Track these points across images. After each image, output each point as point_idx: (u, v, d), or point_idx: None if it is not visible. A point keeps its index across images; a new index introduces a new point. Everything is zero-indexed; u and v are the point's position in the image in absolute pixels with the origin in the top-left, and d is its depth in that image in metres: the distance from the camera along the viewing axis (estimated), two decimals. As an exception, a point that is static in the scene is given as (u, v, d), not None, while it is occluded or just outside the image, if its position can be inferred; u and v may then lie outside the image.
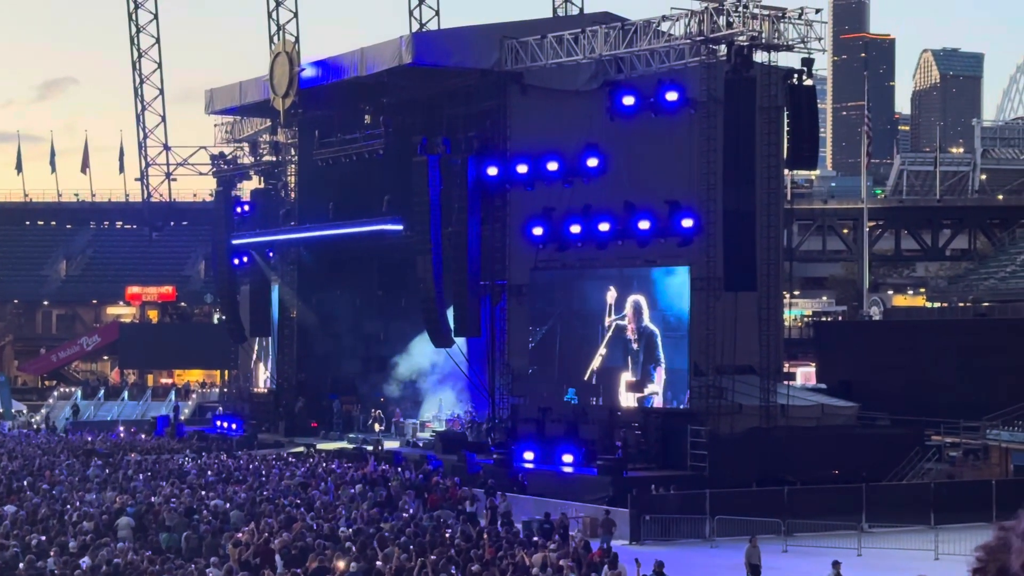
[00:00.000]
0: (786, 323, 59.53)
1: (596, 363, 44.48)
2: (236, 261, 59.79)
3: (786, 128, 42.15)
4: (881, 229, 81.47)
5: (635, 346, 43.38)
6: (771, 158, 43.36)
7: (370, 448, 46.74)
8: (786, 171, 48.67)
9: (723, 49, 41.00)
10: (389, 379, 54.13)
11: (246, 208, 60.82)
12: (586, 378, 44.60)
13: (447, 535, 27.41)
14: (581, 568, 24.92)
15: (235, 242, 59.11)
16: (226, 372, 72.13)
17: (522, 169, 45.55)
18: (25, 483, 36.35)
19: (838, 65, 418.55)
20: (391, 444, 48.59)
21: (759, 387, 42.58)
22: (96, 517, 29.66)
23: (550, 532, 30.59)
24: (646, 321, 43.01)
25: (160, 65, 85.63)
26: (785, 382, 48.57)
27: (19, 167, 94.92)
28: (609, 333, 44.13)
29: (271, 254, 59.05)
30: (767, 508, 34.87)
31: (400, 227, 49.63)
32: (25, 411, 71.69)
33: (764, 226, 42.56)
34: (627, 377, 43.53)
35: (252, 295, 59.59)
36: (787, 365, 56.44)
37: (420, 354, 52.11)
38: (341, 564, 23.34)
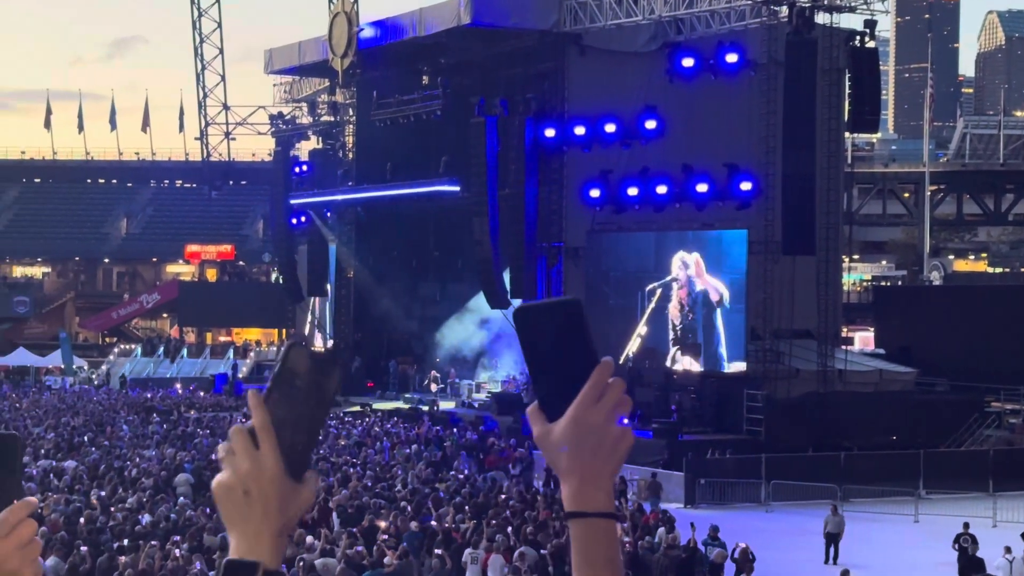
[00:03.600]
0: (845, 287, 59.03)
1: (635, 345, 44.42)
2: (294, 221, 60.09)
3: (847, 91, 41.69)
4: (943, 193, 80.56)
5: (688, 310, 43.24)
6: (832, 121, 42.90)
7: (425, 408, 46.97)
8: (847, 134, 48.14)
9: (784, 10, 40.57)
10: (445, 339, 54.28)
11: (304, 168, 61.05)
12: (621, 362, 44.41)
13: (502, 496, 27.51)
14: (636, 531, 24.95)
15: (293, 202, 59.38)
16: (283, 331, 72.62)
17: (580, 131, 45.38)
18: (86, 439, 36.87)
19: (901, 26, 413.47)
20: (446, 405, 48.79)
21: (816, 352, 42.33)
22: (155, 473, 30.02)
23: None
24: (702, 284, 42.85)
25: (220, 24, 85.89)
26: (843, 347, 48.23)
27: (80, 126, 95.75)
28: (653, 303, 44.04)
29: (329, 214, 59.26)
30: (823, 473, 34.73)
31: (457, 188, 49.67)
32: (86, 367, 72.54)
33: (824, 190, 42.19)
34: (680, 342, 43.43)
35: (309, 255, 59.90)
36: (845, 330, 56.05)
37: (476, 315, 52.21)
38: (383, 523, 23.52)
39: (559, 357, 1.96)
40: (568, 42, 47.97)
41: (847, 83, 41.83)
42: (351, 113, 58.66)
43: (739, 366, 41.87)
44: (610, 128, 44.50)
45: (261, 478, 1.88)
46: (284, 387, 1.88)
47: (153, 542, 21.45)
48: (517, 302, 48.20)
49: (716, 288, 42.54)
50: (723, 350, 42.44)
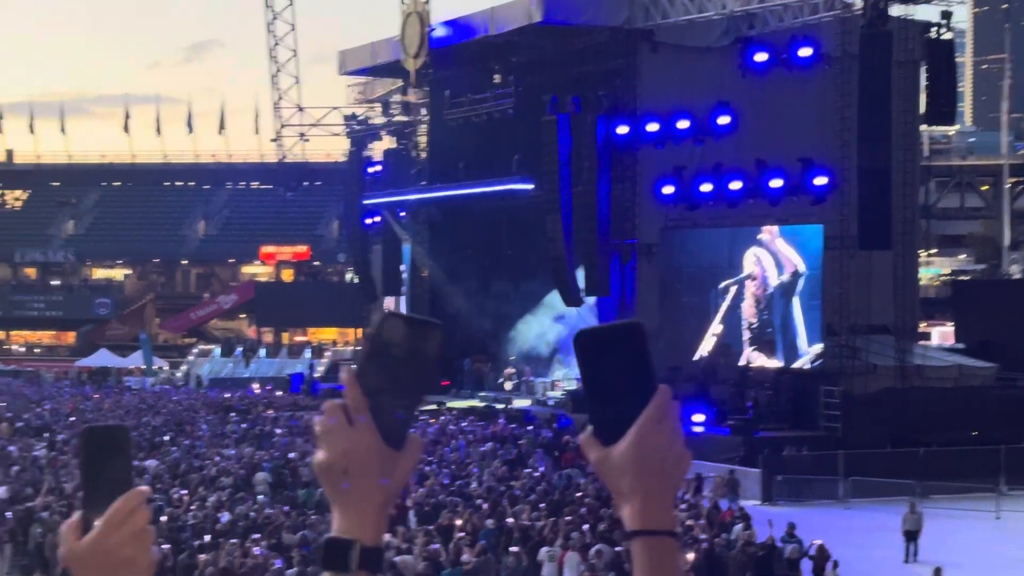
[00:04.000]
0: (922, 282, 58.43)
1: (709, 344, 44.21)
2: (368, 220, 60.45)
3: (923, 83, 41.25)
4: (1022, 186, 79.40)
5: (763, 306, 42.98)
6: (907, 114, 42.47)
7: (500, 407, 47.06)
8: (923, 127, 47.63)
9: (859, 3, 40.20)
10: (519, 338, 54.35)
11: (378, 168, 61.40)
12: (696, 359, 44.20)
13: (578, 494, 27.54)
14: (712, 528, 24.87)
15: (367, 202, 59.74)
16: (359, 330, 73.10)
17: (652, 127, 45.26)
18: (167, 438, 37.37)
19: (979, 17, 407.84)
20: (521, 403, 48.86)
21: (894, 347, 41.91)
22: (234, 472, 30.38)
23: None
24: (777, 280, 42.58)
25: (294, 27, 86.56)
26: (921, 342, 47.73)
27: (158, 130, 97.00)
28: (727, 301, 43.81)
29: (402, 213, 59.55)
30: (902, 469, 34.40)
31: (530, 186, 49.72)
32: (166, 367, 73.49)
33: (900, 183, 41.77)
34: (755, 340, 43.19)
35: (384, 254, 60.23)
36: (923, 325, 55.48)
37: (550, 313, 52.23)
38: (459, 521, 23.63)
39: (619, 381, 1.97)
40: (640, 38, 47.84)
41: (923, 75, 41.39)
42: (424, 113, 58.92)
43: (816, 348, 41.47)
44: (683, 124, 44.34)
45: (357, 455, 1.90)
46: (379, 359, 1.90)
47: (233, 540, 21.71)
48: (591, 300, 48.20)
49: (791, 260, 42.14)
50: (800, 342, 42.13)
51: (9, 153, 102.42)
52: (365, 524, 1.92)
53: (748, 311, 43.88)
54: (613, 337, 1.98)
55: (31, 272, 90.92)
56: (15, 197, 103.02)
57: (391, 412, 1.91)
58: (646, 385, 1.97)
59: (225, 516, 24.34)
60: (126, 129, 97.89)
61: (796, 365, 42.27)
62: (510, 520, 24.09)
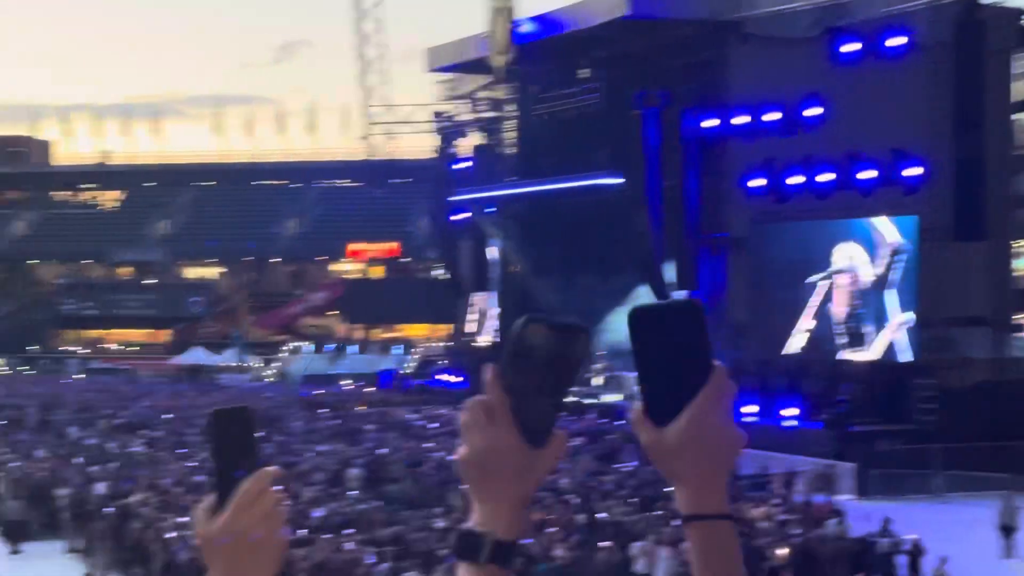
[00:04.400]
0: (1018, 273, 57.41)
1: (800, 340, 43.78)
2: (456, 217, 60.65)
3: (1015, 71, 40.56)
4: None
5: (856, 301, 42.51)
6: (1001, 103, 41.76)
7: (590, 401, 47.02)
8: (1016, 115, 46.79)
9: (951, -9, 39.64)
10: (608, 333, 54.23)
11: (466, 164, 61.60)
12: (785, 350, 43.79)
13: (668, 488, 27.40)
14: (806, 523, 24.67)
15: (455, 198, 59.95)
16: (448, 326, 73.41)
17: (741, 120, 44.93)
18: (260, 434, 37.83)
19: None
20: (611, 397, 48.77)
21: (990, 339, 41.24)
22: (327, 468, 30.66)
23: (765, 486, 30.35)
24: (871, 274, 42.07)
25: (382, 25, 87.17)
26: (1017, 334, 46.90)
27: (249, 129, 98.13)
28: (819, 297, 43.35)
29: (490, 209, 59.70)
30: (998, 463, 33.84)
31: (618, 181, 49.60)
32: (259, 364, 74.35)
33: (994, 173, 41.10)
34: (846, 334, 42.72)
35: (472, 250, 60.43)
36: (1020, 317, 54.51)
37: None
38: (551, 516, 23.65)
39: (675, 361, 1.92)
40: (728, 30, 47.52)
41: (1016, 63, 40.70)
42: (511, 108, 59.01)
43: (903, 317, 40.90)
44: (772, 116, 43.96)
45: (496, 453, 1.91)
46: (521, 361, 1.89)
47: (326, 535, 21.92)
48: (681, 294, 47.97)
49: (887, 238, 41.59)
50: (893, 336, 41.60)
51: (105, 155, 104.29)
52: (499, 519, 1.93)
53: (839, 306, 43.39)
54: (669, 315, 1.93)
55: (126, 272, 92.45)
56: (111, 198, 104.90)
57: (533, 411, 1.91)
58: (702, 365, 1.92)
59: (318, 511, 24.57)
60: (217, 129, 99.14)
61: (881, 339, 41.60)
62: (602, 515, 24.07)
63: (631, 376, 43.31)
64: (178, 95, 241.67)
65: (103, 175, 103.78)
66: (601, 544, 22.15)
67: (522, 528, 1.97)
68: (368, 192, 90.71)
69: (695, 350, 1.93)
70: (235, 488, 1.92)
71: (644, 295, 49.24)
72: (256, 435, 1.98)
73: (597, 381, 52.93)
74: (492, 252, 59.95)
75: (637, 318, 1.94)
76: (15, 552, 29.45)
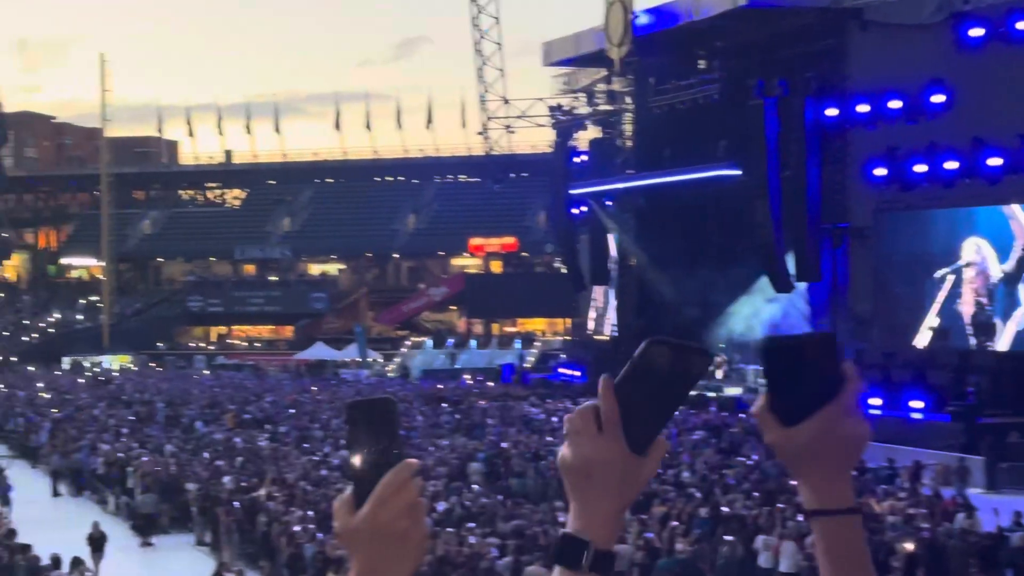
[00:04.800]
0: None
1: (926, 338, 42.97)
2: (575, 210, 60.63)
3: None
4: None
5: (986, 295, 41.63)
6: None
7: (711, 394, 46.72)
8: None
9: (1080, -29, 38.60)
10: (729, 325, 53.84)
11: (583, 158, 61.54)
12: (913, 340, 43.01)
13: (792, 482, 27.11)
14: (933, 516, 24.24)
15: (573, 192, 59.91)
16: (568, 320, 73.43)
17: (863, 109, 44.24)
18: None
19: None
20: (732, 390, 48.40)
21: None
22: (449, 462, 30.85)
23: (891, 479, 29.88)
24: (999, 269, 41.16)
25: (498, 20, 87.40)
26: None
27: (368, 126, 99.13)
28: (945, 290, 42.50)
29: (608, 202, 59.56)
30: None
31: (737, 172, 49.18)
32: (381, 360, 75.08)
33: None
34: (975, 327, 41.86)
35: (591, 243, 60.35)
36: None
37: (760, 300, 51.59)
38: (672, 510, 23.53)
39: (807, 385, 1.94)
40: (848, 17, 46.85)
41: None
42: (628, 101, 58.82)
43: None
44: (894, 104, 43.21)
45: (602, 462, 1.92)
46: (639, 378, 1.92)
47: (449, 529, 22.06)
48: (802, 285, 47.44)
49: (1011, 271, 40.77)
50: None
51: (228, 154, 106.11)
52: (600, 527, 1.94)
53: (967, 302, 42.52)
54: (805, 347, 1.94)
55: (250, 268, 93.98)
56: (234, 196, 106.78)
57: (641, 422, 1.93)
58: (833, 376, 1.94)
59: (441, 505, 24.75)
60: (337, 127, 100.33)
61: (1010, 330, 40.70)
62: (724, 509, 23.91)
63: (752, 369, 43.20)
64: (298, 93, 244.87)
65: (227, 174, 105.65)
66: (724, 538, 22.00)
67: (618, 536, 1.98)
68: (486, 187, 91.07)
69: (829, 375, 1.95)
70: (375, 480, 1.91)
71: (764, 287, 48.80)
72: (397, 426, 1.97)
73: (718, 374, 52.60)
74: (610, 245, 59.82)
75: (771, 349, 1.97)
76: (146, 545, 30.12)
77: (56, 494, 37.45)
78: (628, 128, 59.28)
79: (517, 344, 73.76)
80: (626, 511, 1.99)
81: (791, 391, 1.95)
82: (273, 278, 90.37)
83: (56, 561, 22.12)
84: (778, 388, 1.96)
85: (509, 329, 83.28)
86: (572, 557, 1.92)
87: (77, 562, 22.79)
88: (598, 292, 62.98)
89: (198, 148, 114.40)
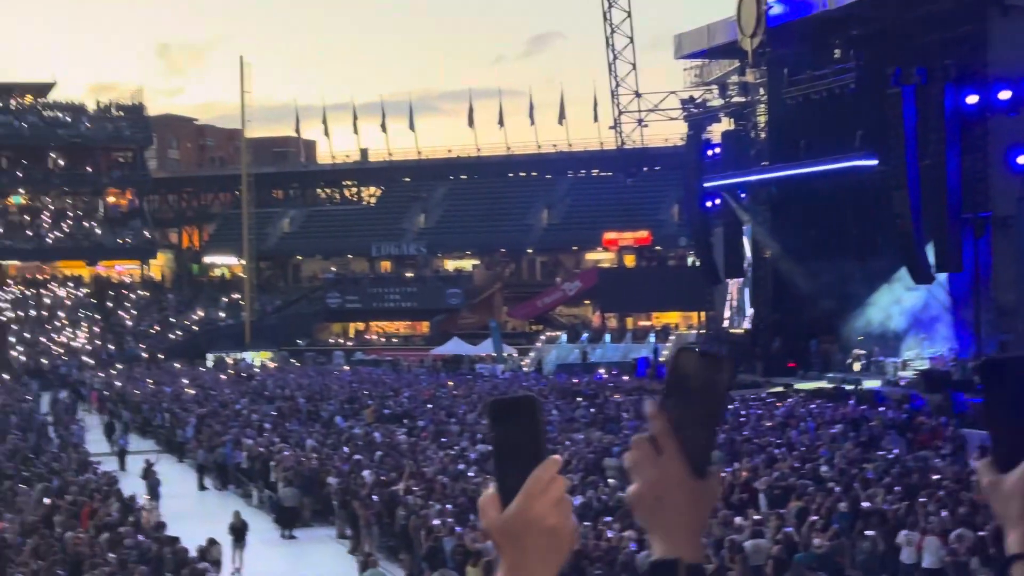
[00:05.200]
0: None
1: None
2: (708, 204, 60.28)
3: None
4: None
5: None
6: None
7: (850, 388, 46.11)
8: None
9: None
10: (867, 317, 53.06)
11: (716, 150, 61.14)
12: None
13: (934, 476, 26.73)
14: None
15: (706, 185, 59.55)
16: (702, 313, 73.01)
17: (1004, 95, 43.30)
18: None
19: None
20: (871, 383, 47.70)
21: None
22: (585, 456, 30.94)
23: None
24: None
25: (630, 14, 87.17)
26: None
27: (501, 122, 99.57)
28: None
29: (743, 195, 59.10)
30: None
31: (874, 162, 48.44)
32: (515, 354, 75.40)
33: None
34: None
35: (725, 236, 59.93)
36: None
37: (899, 291, 50.76)
38: (811, 504, 23.32)
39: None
40: (987, 3, 45.87)
41: None
42: (762, 92, 58.27)
43: None
44: (1037, 90, 42.24)
45: (669, 483, 1.96)
46: (678, 391, 1.96)
47: (586, 523, 22.16)
48: (942, 276, 46.57)
49: None
50: None
51: (364, 152, 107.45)
52: (685, 544, 1.97)
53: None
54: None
55: (386, 265, 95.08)
56: (370, 194, 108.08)
57: (694, 443, 1.97)
58: None
59: (578, 499, 24.85)
60: (471, 123, 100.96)
61: None
62: (865, 504, 23.63)
63: (891, 362, 42.39)
64: (432, 91, 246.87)
65: (362, 172, 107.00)
66: (865, 533, 21.76)
67: (704, 555, 2.01)
68: (619, 181, 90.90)
69: None
70: (520, 478, 1.95)
71: (903, 278, 48.01)
72: (541, 424, 2.00)
73: (856, 366, 51.87)
74: (745, 238, 59.35)
75: (990, 373, 1.99)
76: (289, 537, 30.74)
77: (202, 488, 38.38)
78: (761, 120, 58.72)
79: (652, 338, 73.50)
80: (702, 532, 2.01)
81: (1011, 413, 1.96)
82: (409, 274, 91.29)
83: (203, 553, 22.72)
84: (995, 410, 1.99)
85: (643, 323, 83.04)
86: None
87: (211, 543, 23.48)
88: (733, 285, 62.54)
89: (334, 147, 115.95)
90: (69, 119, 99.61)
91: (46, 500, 26.54)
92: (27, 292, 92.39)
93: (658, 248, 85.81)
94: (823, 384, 49.49)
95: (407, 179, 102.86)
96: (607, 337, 77.07)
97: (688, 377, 1.96)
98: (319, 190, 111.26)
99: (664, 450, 1.96)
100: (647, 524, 2.00)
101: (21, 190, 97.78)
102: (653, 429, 1.98)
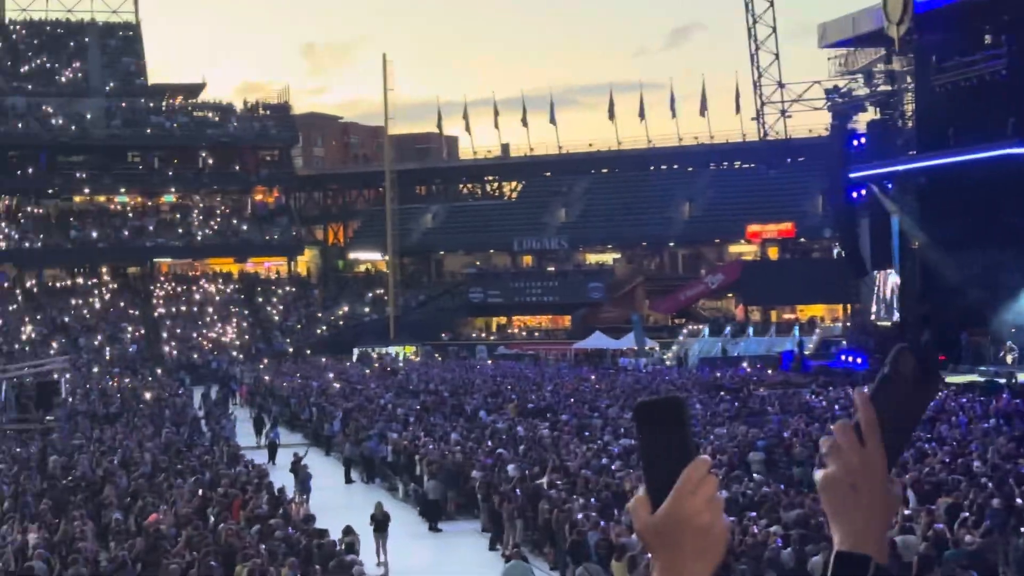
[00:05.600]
0: None
1: None
2: (854, 194, 59.35)
3: None
4: None
5: None
6: None
7: (1003, 381, 45.00)
8: None
9: None
10: (1019, 308, 51.71)
11: (862, 140, 60.15)
12: None
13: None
14: None
15: (852, 175, 58.64)
16: (847, 306, 71.92)
17: None
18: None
19: None
20: (1025, 376, 46.49)
21: None
22: (728, 450, 30.70)
23: None
24: None
25: (772, 3, 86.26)
26: None
27: (641, 115, 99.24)
28: None
29: (889, 185, 58.04)
30: None
31: (1026, 150, 47.24)
32: (658, 348, 75.12)
33: None
34: None
35: (871, 227, 58.94)
36: None
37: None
38: (961, 500, 22.79)
39: None
40: None
41: None
42: (909, 80, 57.18)
43: None
44: None
45: (869, 474, 1.93)
46: (890, 388, 1.94)
47: (731, 518, 22.00)
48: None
49: None
50: None
51: (505, 147, 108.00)
52: (873, 541, 1.94)
53: None
54: None
55: (528, 260, 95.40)
56: (511, 188, 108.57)
57: (894, 437, 1.95)
58: None
59: (723, 494, 24.64)
60: (611, 116, 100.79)
61: None
62: (1020, 500, 23.05)
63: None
64: (572, 85, 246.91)
65: (504, 167, 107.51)
66: (1021, 530, 21.22)
67: (887, 556, 1.97)
68: (762, 173, 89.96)
69: None
70: (670, 478, 1.96)
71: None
72: (689, 425, 2.01)
73: (1008, 359, 50.60)
74: (892, 229, 58.26)
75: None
76: (434, 530, 31.04)
77: (349, 481, 38.94)
78: (909, 108, 57.62)
79: (796, 331, 72.60)
80: (889, 528, 1.99)
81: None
82: (550, 269, 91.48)
83: (350, 546, 23.07)
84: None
85: (787, 316, 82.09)
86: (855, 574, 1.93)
87: (348, 531, 23.85)
88: (880, 277, 61.48)
89: (476, 143, 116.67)
90: (218, 119, 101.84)
91: (199, 493, 27.19)
92: (178, 289, 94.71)
93: (802, 240, 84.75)
94: (974, 378, 48.39)
95: (548, 173, 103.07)
96: (750, 330, 76.33)
97: (903, 378, 1.94)
98: (461, 186, 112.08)
99: (869, 441, 1.94)
100: (834, 510, 1.98)
101: (172, 189, 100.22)
102: (861, 418, 1.95)
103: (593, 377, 57.72)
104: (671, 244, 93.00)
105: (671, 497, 1.96)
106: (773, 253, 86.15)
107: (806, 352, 64.05)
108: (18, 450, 37.10)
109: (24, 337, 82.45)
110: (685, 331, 79.46)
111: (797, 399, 43.08)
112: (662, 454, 1.98)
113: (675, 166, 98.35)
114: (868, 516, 1.95)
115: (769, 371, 58.49)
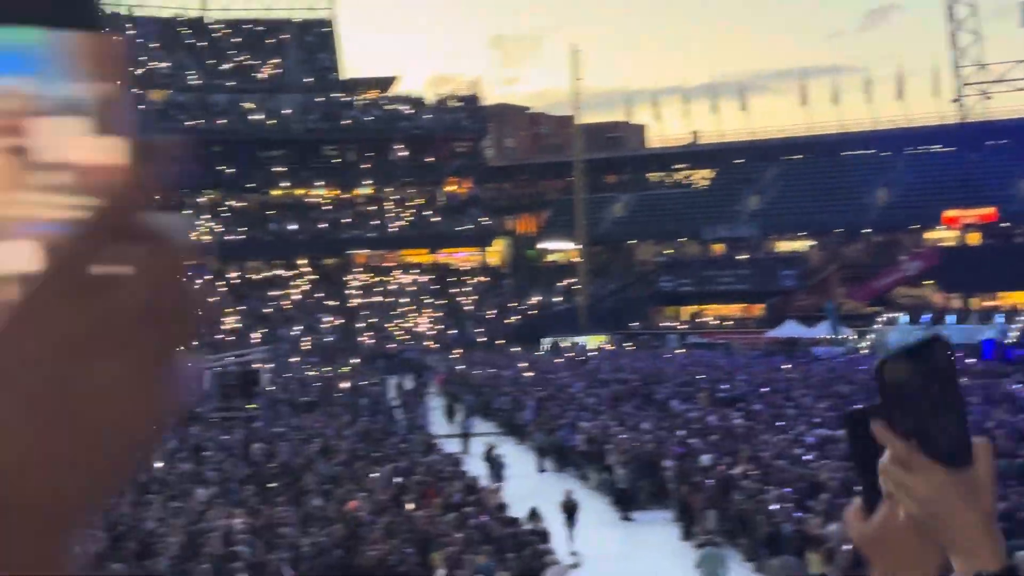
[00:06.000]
0: None
1: None
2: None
3: None
4: None
5: None
6: None
7: None
8: None
9: None
10: None
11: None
12: None
13: None
14: None
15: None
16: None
17: None
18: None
19: None
20: None
21: None
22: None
23: None
24: None
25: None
26: None
27: (836, 99, 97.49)
28: None
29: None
30: None
31: None
32: (853, 336, 73.72)
33: None
34: None
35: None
36: None
37: None
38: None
39: None
40: None
41: None
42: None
43: None
44: None
45: (934, 493, 1.85)
46: (896, 402, 1.86)
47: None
48: None
49: None
50: None
51: (694, 135, 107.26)
52: (983, 551, 1.87)
53: None
54: None
55: (719, 248, 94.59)
56: (701, 177, 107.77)
57: (941, 436, 1.86)
58: None
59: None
60: (804, 102, 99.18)
61: None
62: None
63: None
64: (763, 70, 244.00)
65: (693, 155, 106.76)
66: None
67: (1002, 551, 1.88)
68: (962, 156, 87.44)
69: None
70: (877, 487, 1.91)
71: None
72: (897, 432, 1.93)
73: None
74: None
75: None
76: (626, 520, 31.05)
77: (541, 470, 39.16)
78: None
79: (999, 319, 70.39)
80: (993, 521, 1.89)
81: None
82: (742, 256, 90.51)
83: (538, 531, 23.23)
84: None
85: (989, 303, 79.64)
86: None
87: (533, 514, 23.99)
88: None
89: (665, 131, 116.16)
90: (410, 112, 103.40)
91: (395, 480, 27.69)
92: (373, 279, 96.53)
93: (1006, 224, 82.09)
94: None
95: (739, 160, 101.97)
96: (950, 318, 74.32)
97: (900, 386, 1.86)
98: (650, 174, 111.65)
99: (913, 464, 1.86)
100: (943, 544, 1.88)
101: (367, 181, 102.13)
102: (891, 450, 1.87)
103: (786, 366, 56.91)
104: (866, 230, 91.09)
105: (884, 505, 1.93)
106: (973, 239, 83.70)
107: (1009, 341, 62.07)
108: (224, 438, 38.24)
109: (227, 328, 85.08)
110: (882, 319, 77.76)
111: (1000, 389, 41.78)
112: (873, 462, 1.92)
113: (870, 151, 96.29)
114: (963, 528, 1.87)
115: (970, 360, 56.85)
